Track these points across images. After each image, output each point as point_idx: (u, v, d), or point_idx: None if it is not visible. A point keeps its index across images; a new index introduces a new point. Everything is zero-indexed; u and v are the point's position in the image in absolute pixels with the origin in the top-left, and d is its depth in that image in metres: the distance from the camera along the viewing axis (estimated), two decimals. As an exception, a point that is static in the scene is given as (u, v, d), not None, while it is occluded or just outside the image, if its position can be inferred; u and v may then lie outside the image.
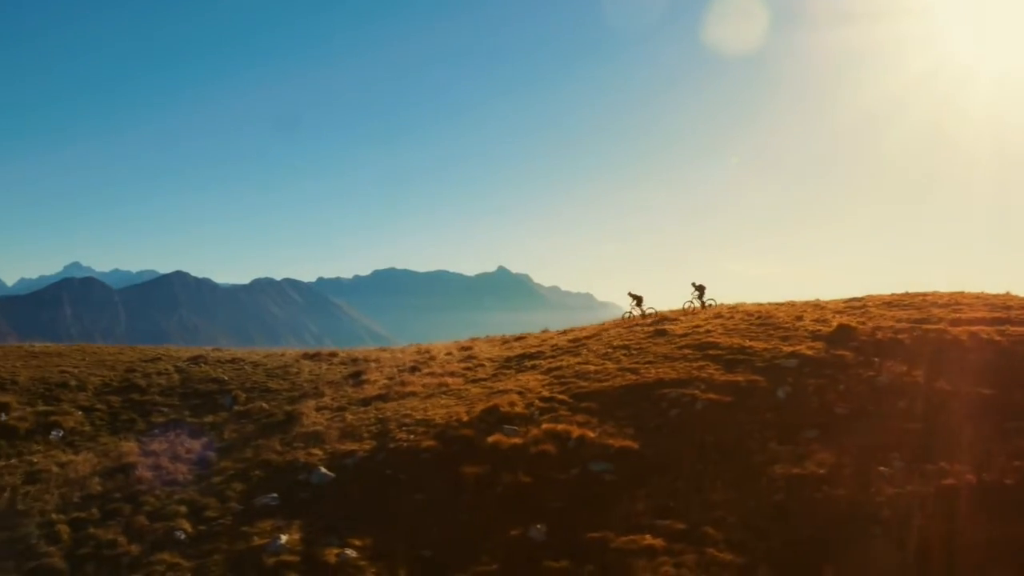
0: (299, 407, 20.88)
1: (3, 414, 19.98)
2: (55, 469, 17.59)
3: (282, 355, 28.60)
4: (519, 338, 34.69)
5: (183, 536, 14.49)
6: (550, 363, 23.99)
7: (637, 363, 21.90)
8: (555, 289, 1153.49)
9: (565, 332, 32.66)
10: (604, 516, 14.06)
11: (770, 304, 30.87)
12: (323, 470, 16.64)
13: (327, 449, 17.81)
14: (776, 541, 12.86)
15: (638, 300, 33.35)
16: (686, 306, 32.68)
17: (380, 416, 19.70)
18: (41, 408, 20.68)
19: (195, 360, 26.29)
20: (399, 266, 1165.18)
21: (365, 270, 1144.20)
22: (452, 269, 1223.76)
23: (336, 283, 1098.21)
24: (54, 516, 15.40)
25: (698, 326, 25.83)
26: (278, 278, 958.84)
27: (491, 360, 26.35)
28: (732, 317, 26.84)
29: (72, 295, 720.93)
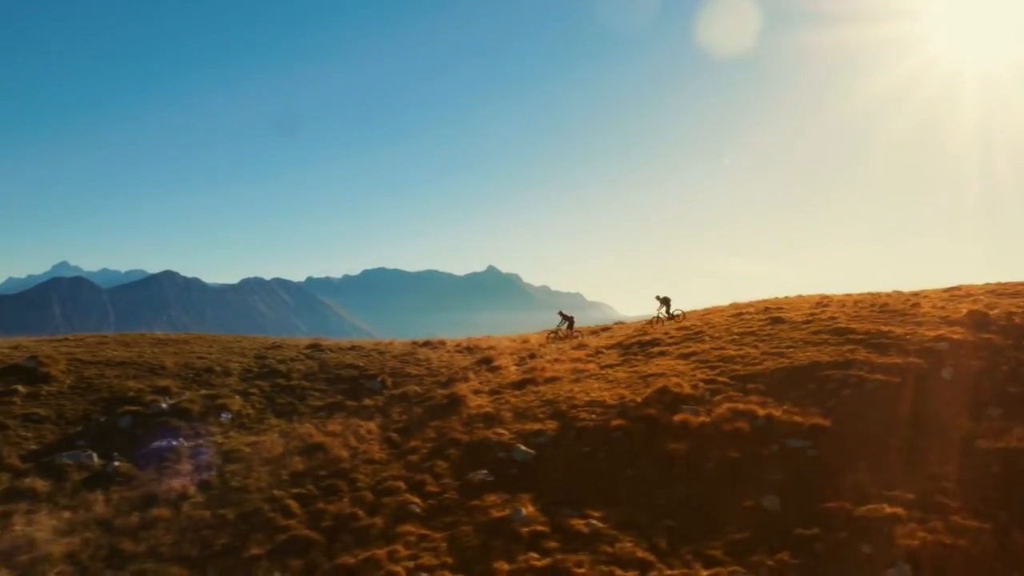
0: (454, 391, 21.22)
1: (167, 396, 20.19)
2: (246, 449, 17.89)
3: (390, 344, 28.90)
4: (605, 328, 35.22)
5: (417, 510, 14.86)
6: (680, 349, 24.43)
7: (778, 348, 22.35)
8: (545, 289, 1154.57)
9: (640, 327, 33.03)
10: (829, 488, 14.49)
11: (794, 297, 31.66)
12: (523, 448, 17.04)
13: (512, 429, 18.19)
14: (1015, 508, 13.35)
15: (666, 302, 33.30)
16: (653, 320, 32.57)
17: (544, 399, 20.08)
18: (203, 392, 20.90)
19: (315, 348, 26.56)
20: (389, 266, 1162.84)
21: (355, 270, 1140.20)
22: (442, 269, 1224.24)
23: (326, 283, 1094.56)
24: (276, 492, 15.74)
25: (815, 313, 26.34)
26: (267, 278, 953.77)
27: (606, 348, 26.78)
28: (781, 308, 27.35)
29: (61, 295, 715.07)
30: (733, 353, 22.57)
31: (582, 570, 12.53)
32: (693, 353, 23.51)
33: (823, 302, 29.38)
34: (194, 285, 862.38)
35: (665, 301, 33.10)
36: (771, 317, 26.88)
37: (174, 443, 18.04)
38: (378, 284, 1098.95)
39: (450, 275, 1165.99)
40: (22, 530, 14.02)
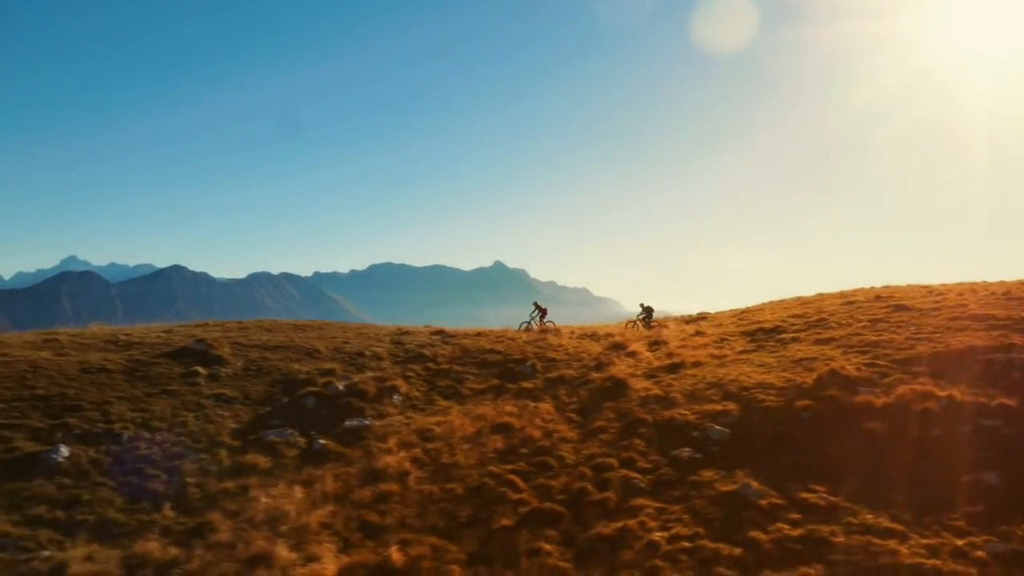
0: (611, 374, 21.68)
1: (337, 378, 20.69)
2: (436, 428, 18.37)
3: (504, 332, 29.34)
4: (701, 316, 35.63)
5: (643, 484, 15.34)
6: (810, 335, 24.85)
7: (921, 334, 22.74)
8: (551, 284, 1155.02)
9: (740, 313, 33.39)
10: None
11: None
12: (718, 427, 17.50)
13: (692, 410, 18.64)
14: None
15: (648, 311, 34.12)
16: (628, 325, 33.33)
17: (707, 382, 20.53)
18: (369, 374, 21.41)
19: (441, 334, 27.03)
20: (396, 260, 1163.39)
21: (361, 265, 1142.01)
22: (449, 264, 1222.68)
23: (333, 277, 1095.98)
24: (492, 468, 16.23)
25: (938, 301, 26.73)
26: (275, 272, 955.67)
27: (730, 334, 27.19)
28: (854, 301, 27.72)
29: (70, 289, 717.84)
30: (875, 339, 22.96)
31: (839, 539, 12.99)
32: (830, 339, 23.90)
33: (936, 290, 29.73)
34: (202, 279, 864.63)
35: (647, 310, 34.15)
36: (891, 305, 27.26)
37: (365, 422, 18.53)
38: (385, 279, 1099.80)
39: (457, 270, 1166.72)
40: (268, 502, 14.52)
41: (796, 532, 13.26)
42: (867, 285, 34.49)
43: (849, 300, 30.17)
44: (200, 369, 20.29)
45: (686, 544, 13.12)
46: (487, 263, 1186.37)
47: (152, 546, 12.84)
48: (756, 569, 12.34)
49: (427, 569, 12.79)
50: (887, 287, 33.95)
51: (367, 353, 23.61)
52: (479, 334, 27.83)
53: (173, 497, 14.65)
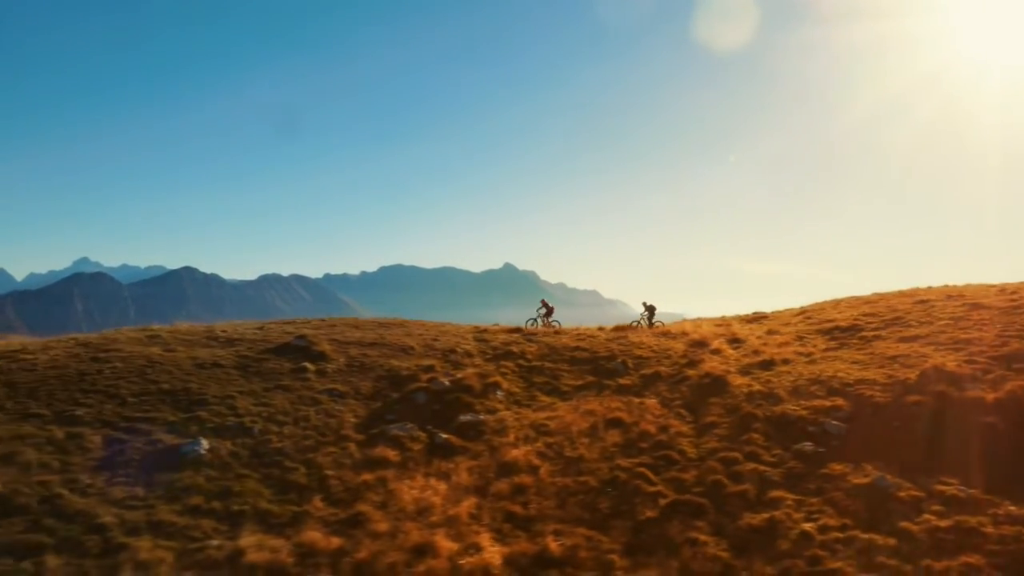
0: (706, 371, 21.88)
1: (437, 373, 20.97)
2: (549, 423, 18.63)
3: (578, 329, 29.57)
4: (761, 316, 35.73)
5: (776, 477, 15.57)
6: (892, 333, 24.98)
7: (1009, 331, 22.86)
8: (561, 286, 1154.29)
9: (801, 313, 33.49)
10: None
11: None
12: (834, 422, 17.69)
13: (801, 405, 18.83)
14: None
15: (651, 310, 34.43)
16: (633, 324, 33.16)
17: (805, 378, 20.70)
18: (469, 371, 21.67)
19: (519, 332, 27.30)
20: (406, 262, 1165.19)
21: (372, 266, 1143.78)
22: (459, 266, 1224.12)
23: (343, 279, 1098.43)
24: (620, 462, 16.49)
25: (1013, 299, 26.83)
26: (285, 274, 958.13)
27: (806, 332, 27.33)
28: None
29: (83, 290, 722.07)
30: (964, 336, 23.08)
31: (989, 529, 13.17)
32: (915, 337, 24.02)
33: (1008, 289, 29.81)
34: (213, 281, 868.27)
35: (650, 309, 34.50)
36: (966, 304, 27.37)
37: (480, 417, 18.81)
38: (395, 281, 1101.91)
39: (467, 272, 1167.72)
40: (415, 494, 14.80)
41: (944, 523, 13.44)
42: (892, 286, 34.34)
43: (921, 299, 30.25)
44: (308, 365, 20.61)
45: (838, 534, 13.32)
46: (497, 265, 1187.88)
47: (315, 535, 13.12)
48: (915, 558, 12.54)
49: (585, 559, 13.03)
50: (950, 286, 34.03)
51: (458, 350, 23.90)
52: (556, 332, 28.07)
53: (317, 489, 14.94)
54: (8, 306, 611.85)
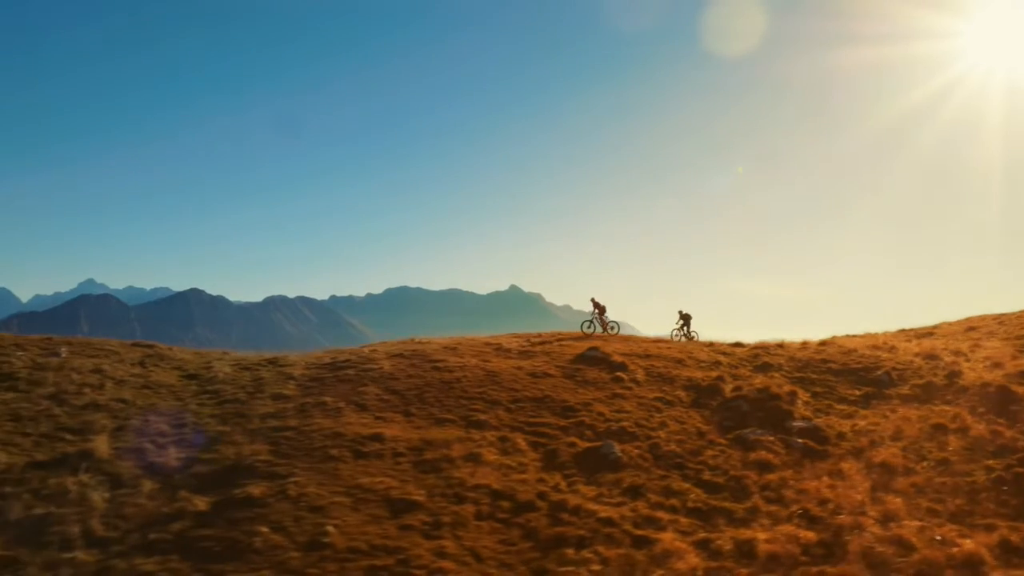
0: (985, 380, 22.75)
1: (738, 382, 21.83)
2: (877, 430, 19.46)
3: (716, 344, 30.43)
4: (927, 332, 36.60)
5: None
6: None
7: None
8: (567, 308, 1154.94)
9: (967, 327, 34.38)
10: None
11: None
12: None
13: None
14: None
15: (686, 319, 33.05)
16: (673, 336, 32.13)
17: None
18: (756, 382, 22.54)
19: (741, 345, 28.18)
20: (411, 284, 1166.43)
21: (378, 288, 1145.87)
22: (465, 288, 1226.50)
23: (349, 301, 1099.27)
24: (990, 463, 17.31)
25: None
26: (291, 296, 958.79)
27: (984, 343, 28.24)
28: None
29: (89, 312, 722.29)
30: None
31: None
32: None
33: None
34: (219, 303, 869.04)
35: (686, 317, 32.98)
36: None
37: (813, 422, 19.68)
38: (401, 303, 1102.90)
39: (473, 294, 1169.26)
40: (834, 493, 15.65)
41: None
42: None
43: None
44: (621, 375, 21.50)
45: None
46: (503, 287, 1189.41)
47: (789, 529, 13.96)
48: None
49: (1048, 549, 13.82)
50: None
51: (722, 362, 24.79)
52: (780, 344, 28.98)
53: (736, 487, 15.79)
54: (14, 328, 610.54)
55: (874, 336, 34.43)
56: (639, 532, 13.29)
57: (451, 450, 15.17)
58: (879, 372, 24.45)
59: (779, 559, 13.01)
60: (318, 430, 15.53)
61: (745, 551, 13.21)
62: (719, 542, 13.39)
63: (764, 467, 17.00)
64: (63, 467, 13.39)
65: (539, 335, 28.51)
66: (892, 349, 28.74)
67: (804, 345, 30.21)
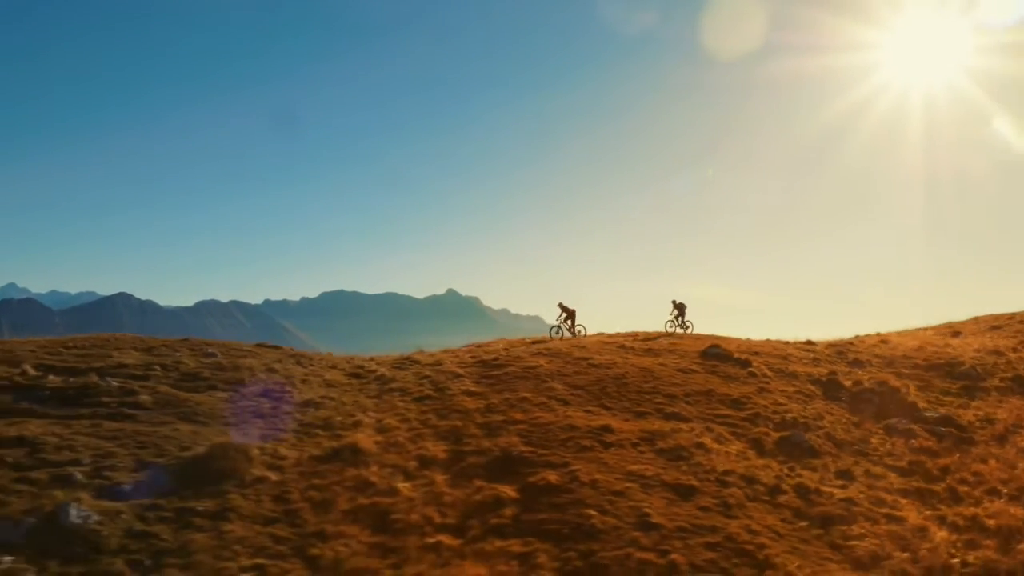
0: None
1: (845, 378, 23.37)
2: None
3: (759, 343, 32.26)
4: (956, 331, 39.07)
5: None
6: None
7: None
8: (505, 311, 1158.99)
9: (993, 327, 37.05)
10: None
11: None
12: None
13: None
14: None
15: (680, 309, 31.22)
16: (667, 327, 30.85)
17: None
18: (851, 376, 24.14)
19: (810, 345, 29.92)
20: (347, 288, 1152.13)
21: (313, 292, 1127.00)
22: (401, 291, 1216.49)
23: (283, 305, 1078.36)
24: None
25: None
26: (224, 300, 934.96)
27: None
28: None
29: (12, 317, 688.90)
30: None
31: None
32: None
33: None
34: (149, 307, 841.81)
35: (680, 307, 31.18)
36: None
37: (943, 413, 21.30)
38: (336, 307, 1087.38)
39: (410, 298, 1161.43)
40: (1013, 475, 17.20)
41: None
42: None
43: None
44: (753, 370, 22.76)
45: None
46: (440, 291, 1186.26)
47: (998, 506, 15.39)
48: None
49: None
50: None
51: (820, 359, 26.33)
52: (851, 342, 30.75)
53: (919, 473, 17.18)
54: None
55: (913, 333, 36.68)
56: (883, 511, 14.46)
57: (677, 440, 16.08)
58: (964, 367, 26.31)
59: (1007, 531, 14.36)
60: (548, 423, 16.26)
61: (978, 526, 14.52)
62: (952, 518, 14.69)
63: (930, 453, 18.44)
64: (337, 460, 13.81)
65: (635, 334, 29.50)
66: (946, 346, 30.86)
67: (859, 340, 32.09)
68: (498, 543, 11.37)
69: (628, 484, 13.54)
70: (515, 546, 11.27)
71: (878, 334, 36.23)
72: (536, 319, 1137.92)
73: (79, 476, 11.48)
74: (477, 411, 17.01)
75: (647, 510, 12.59)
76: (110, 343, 20.84)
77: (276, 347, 23.79)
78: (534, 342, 26.22)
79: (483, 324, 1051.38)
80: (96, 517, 10.36)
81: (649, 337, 27.69)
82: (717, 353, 24.00)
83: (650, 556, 11.23)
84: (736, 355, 24.03)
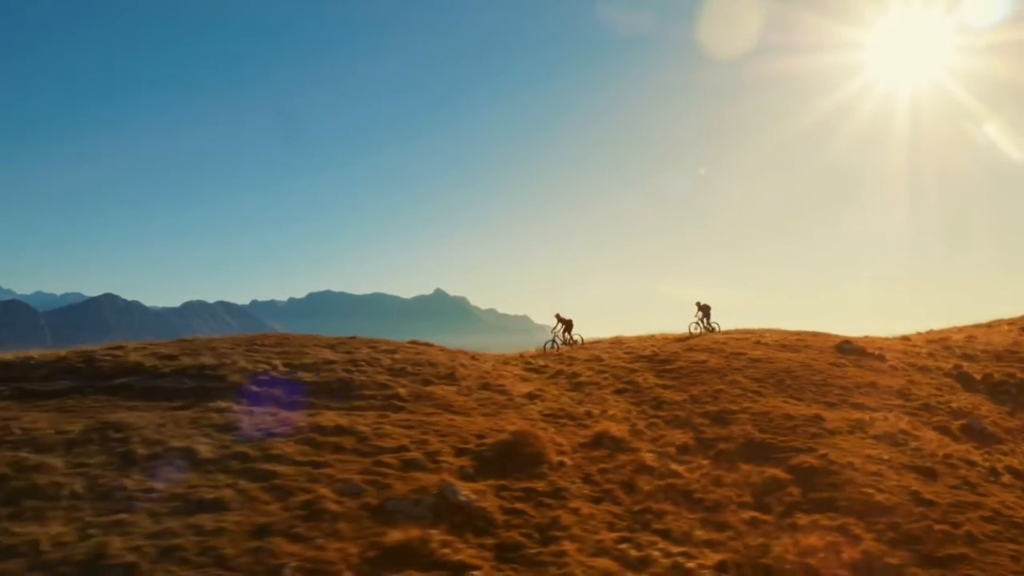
0: None
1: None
2: None
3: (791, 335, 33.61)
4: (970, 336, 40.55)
5: None
6: None
7: None
8: (492, 311, 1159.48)
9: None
10: None
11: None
12: None
13: None
14: None
15: (705, 311, 30.82)
16: (692, 329, 30.36)
17: None
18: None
19: (845, 344, 31.26)
20: (335, 288, 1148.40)
21: (300, 293, 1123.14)
22: (389, 292, 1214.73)
23: (271, 306, 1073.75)
24: None
25: None
26: (211, 301, 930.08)
27: None
28: None
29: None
30: None
31: None
32: None
33: None
34: (135, 308, 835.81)
35: (705, 309, 30.89)
36: None
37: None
38: (324, 307, 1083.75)
39: (397, 298, 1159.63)
40: None
41: None
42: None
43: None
44: (891, 364, 24.02)
45: None
46: (427, 291, 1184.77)
47: None
48: None
49: None
50: None
51: (935, 353, 27.66)
52: (945, 337, 32.12)
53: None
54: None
55: (988, 330, 38.02)
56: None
57: (883, 428, 17.25)
58: (1043, 361, 27.68)
59: None
60: (763, 412, 17.40)
61: None
62: None
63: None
64: (600, 446, 14.85)
65: (664, 336, 30.64)
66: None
67: (945, 336, 33.47)
68: (805, 518, 12.46)
69: (878, 466, 14.67)
70: (823, 520, 12.36)
71: (958, 329, 37.58)
72: (524, 319, 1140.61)
73: (422, 459, 12.46)
74: (685, 402, 18.10)
75: (915, 488, 13.74)
76: (296, 341, 21.62)
77: (429, 344, 24.74)
78: (677, 340, 27.17)
79: (471, 324, 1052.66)
80: (472, 496, 11.36)
81: (680, 339, 28.16)
82: (851, 348, 25.20)
83: (944, 527, 12.36)
84: (869, 349, 25.25)
